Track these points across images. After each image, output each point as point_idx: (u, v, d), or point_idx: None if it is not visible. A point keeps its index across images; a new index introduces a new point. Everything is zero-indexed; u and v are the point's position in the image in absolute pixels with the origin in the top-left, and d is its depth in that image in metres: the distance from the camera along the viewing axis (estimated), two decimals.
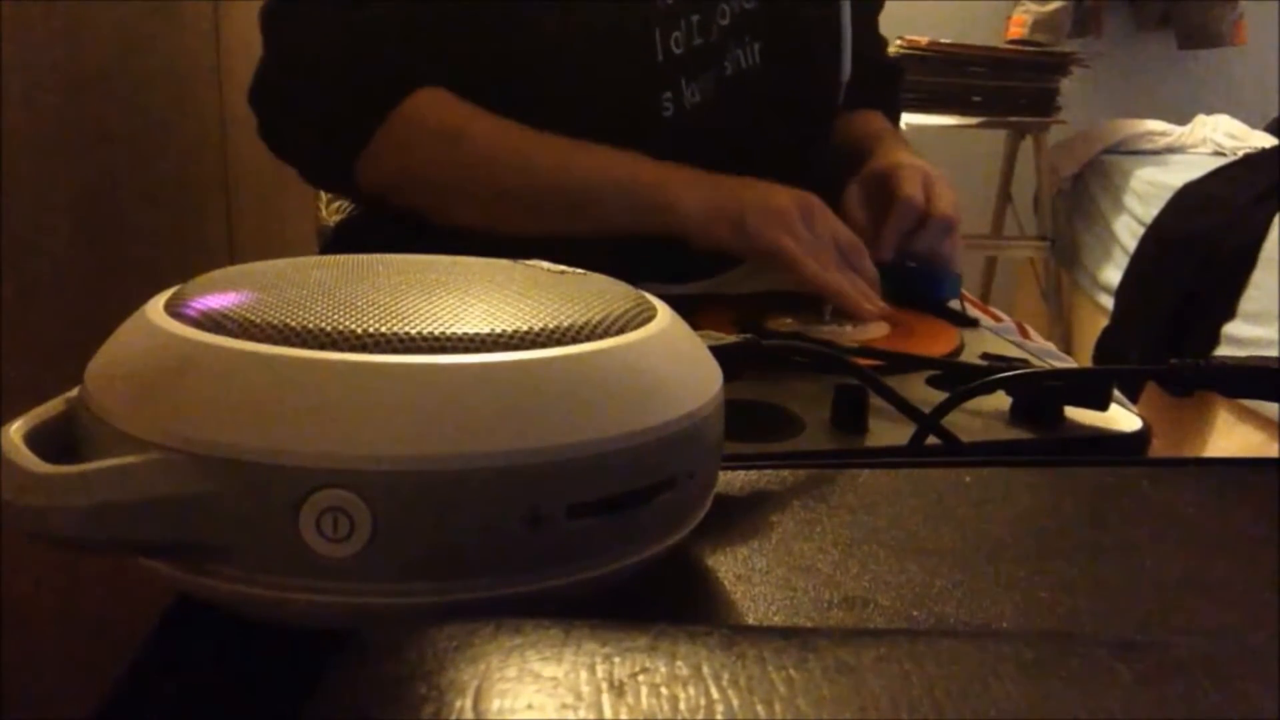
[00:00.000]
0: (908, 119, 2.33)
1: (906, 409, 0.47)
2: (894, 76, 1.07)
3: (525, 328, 0.28)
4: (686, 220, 0.70)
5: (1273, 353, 1.42)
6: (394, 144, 0.74)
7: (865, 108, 0.97)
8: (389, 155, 0.75)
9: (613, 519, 0.28)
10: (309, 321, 0.27)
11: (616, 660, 0.18)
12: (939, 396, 0.48)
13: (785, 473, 0.41)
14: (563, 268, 0.36)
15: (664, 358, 0.30)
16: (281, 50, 0.76)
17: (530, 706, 0.17)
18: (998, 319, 0.84)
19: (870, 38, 1.02)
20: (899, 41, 2.38)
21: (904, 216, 0.77)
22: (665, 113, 0.77)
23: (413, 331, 0.27)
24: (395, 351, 0.26)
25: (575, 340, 0.28)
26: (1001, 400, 0.52)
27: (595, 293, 0.32)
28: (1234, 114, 2.67)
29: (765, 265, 0.71)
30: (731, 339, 0.42)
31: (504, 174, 0.74)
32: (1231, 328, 1.87)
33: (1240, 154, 2.42)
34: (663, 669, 0.18)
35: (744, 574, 0.33)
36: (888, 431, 0.48)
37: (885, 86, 1.03)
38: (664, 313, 0.32)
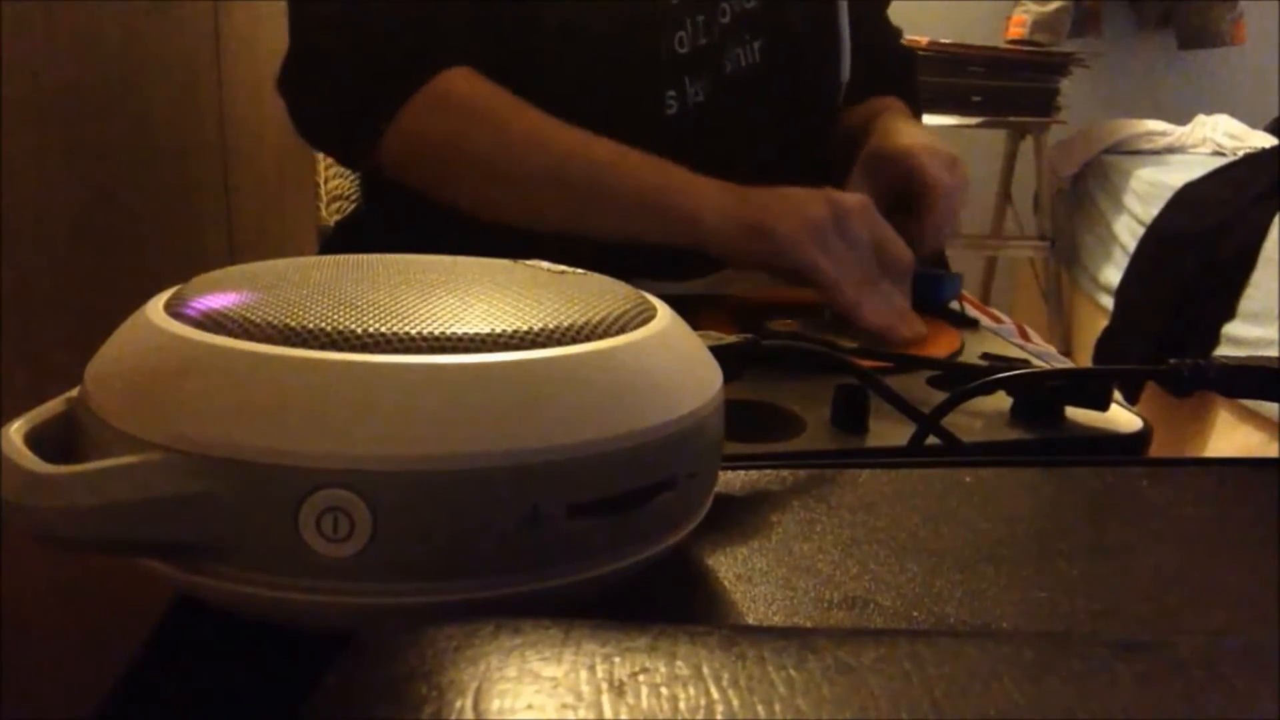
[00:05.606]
0: None
1: (907, 409, 0.47)
2: (907, 63, 1.03)
3: (525, 328, 0.28)
4: (711, 235, 0.67)
5: (1273, 353, 1.42)
6: (428, 115, 0.73)
7: (881, 96, 0.94)
8: (425, 126, 0.73)
9: (613, 519, 0.28)
10: (309, 321, 0.27)
11: (616, 660, 0.18)
12: (939, 397, 0.48)
13: (785, 473, 0.41)
14: (563, 268, 0.36)
15: (664, 358, 0.30)
16: (307, 30, 0.76)
17: (530, 706, 0.17)
18: (998, 320, 0.84)
19: (881, 27, 1.00)
20: None
21: (947, 213, 0.74)
22: (669, 110, 0.77)
23: (413, 331, 0.27)
24: (395, 351, 0.26)
25: (575, 340, 0.28)
26: (1002, 401, 0.52)
27: (595, 293, 0.32)
28: (1234, 114, 2.67)
29: (795, 282, 0.67)
30: (731, 339, 0.42)
31: (538, 157, 0.72)
32: (1231, 328, 1.87)
33: (1240, 154, 2.42)
34: (663, 669, 0.18)
35: (744, 574, 0.33)
36: (888, 431, 0.48)
37: (899, 73, 1.00)
38: (664, 313, 0.32)
